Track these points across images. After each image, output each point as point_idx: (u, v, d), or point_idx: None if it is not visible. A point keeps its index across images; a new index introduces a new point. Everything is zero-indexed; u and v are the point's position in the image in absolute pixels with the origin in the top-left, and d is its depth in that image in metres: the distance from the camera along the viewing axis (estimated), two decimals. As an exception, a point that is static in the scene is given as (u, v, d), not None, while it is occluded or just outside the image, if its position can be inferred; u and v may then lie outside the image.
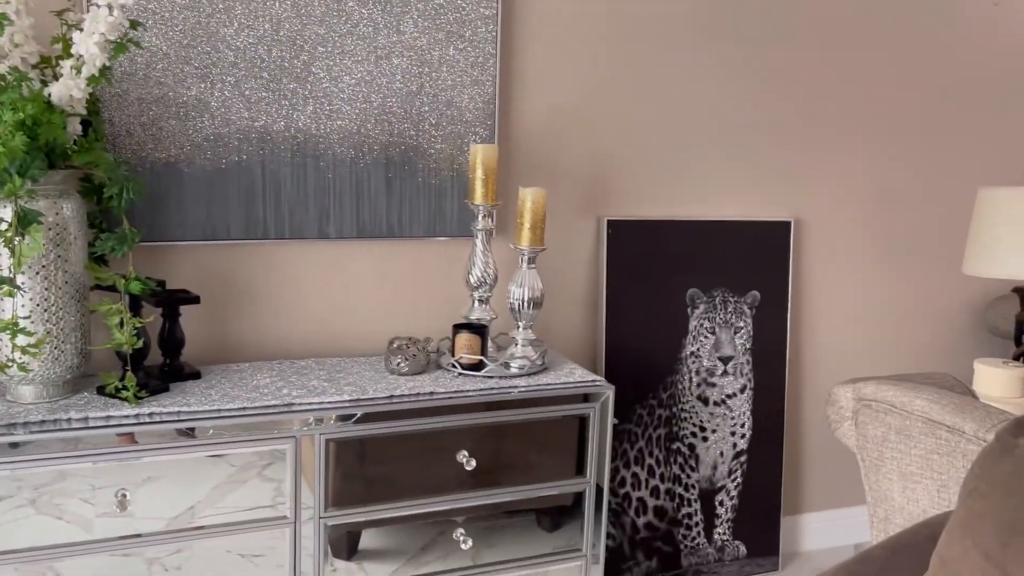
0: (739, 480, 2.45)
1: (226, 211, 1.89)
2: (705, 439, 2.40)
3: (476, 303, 2.01)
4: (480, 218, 1.97)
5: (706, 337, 2.37)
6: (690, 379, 2.37)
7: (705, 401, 2.39)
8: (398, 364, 1.88)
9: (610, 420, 1.92)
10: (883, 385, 1.58)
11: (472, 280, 1.99)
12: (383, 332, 2.08)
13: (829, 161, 2.52)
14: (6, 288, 1.48)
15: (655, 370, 2.33)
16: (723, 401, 2.41)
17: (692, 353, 2.36)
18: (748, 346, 2.42)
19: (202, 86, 1.83)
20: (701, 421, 2.39)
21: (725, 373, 2.40)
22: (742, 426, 2.44)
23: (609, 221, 2.25)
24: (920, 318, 2.72)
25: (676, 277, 2.33)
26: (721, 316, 2.38)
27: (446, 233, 2.09)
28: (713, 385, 2.39)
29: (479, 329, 1.94)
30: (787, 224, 2.45)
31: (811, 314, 2.58)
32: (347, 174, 1.98)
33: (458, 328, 1.94)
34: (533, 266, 1.95)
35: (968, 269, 2.32)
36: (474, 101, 2.05)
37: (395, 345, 1.91)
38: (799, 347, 2.57)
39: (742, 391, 2.42)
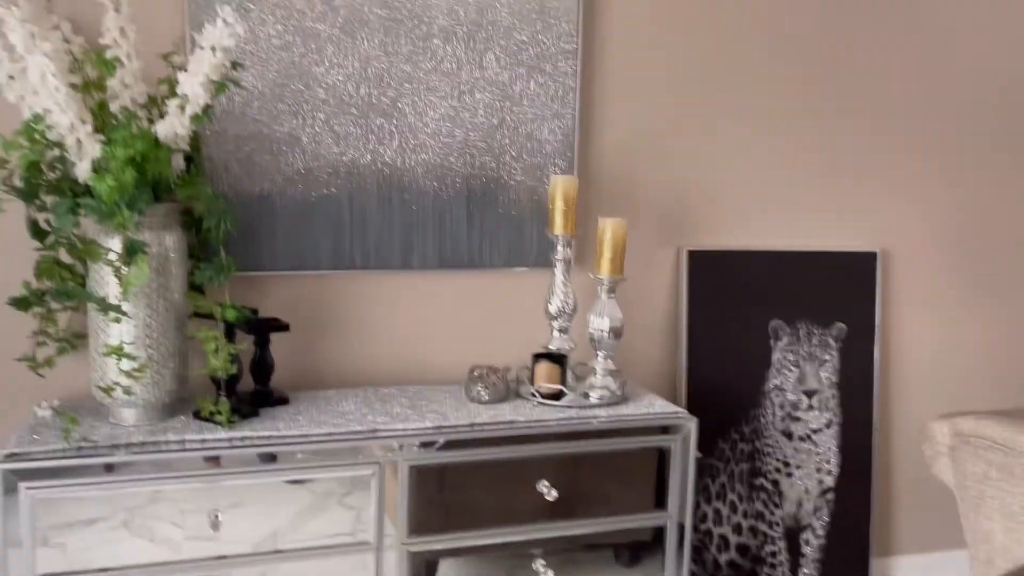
0: (826, 518, 2.37)
1: (315, 242, 1.95)
2: (790, 475, 2.34)
3: (556, 332, 2.01)
4: (560, 248, 1.98)
5: (790, 370, 2.32)
6: (773, 413, 2.31)
7: (789, 436, 2.33)
8: (479, 392, 1.90)
9: (692, 453, 1.89)
10: (983, 420, 1.51)
11: (552, 309, 2.00)
12: (464, 360, 2.10)
13: (916, 189, 2.45)
14: (113, 314, 1.56)
15: (737, 403, 2.29)
16: (808, 436, 2.34)
17: (776, 386, 2.31)
18: (834, 380, 2.35)
19: (294, 122, 1.91)
20: (785, 456, 2.33)
21: (810, 407, 2.33)
22: (828, 462, 2.36)
23: (689, 252, 2.24)
24: (1017, 351, 2.59)
25: (758, 308, 2.29)
26: (805, 348, 2.32)
27: (526, 263, 2.11)
28: (798, 419, 2.33)
29: (559, 359, 1.95)
30: (872, 255, 2.39)
31: (900, 346, 2.49)
32: (430, 205, 2.03)
33: (538, 357, 1.95)
34: (613, 296, 1.95)
35: (1070, 301, 2.22)
36: (554, 133, 2.08)
37: (476, 373, 1.93)
38: (888, 381, 2.48)
39: (828, 426, 2.35)
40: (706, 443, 2.25)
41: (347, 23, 1.91)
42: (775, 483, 2.33)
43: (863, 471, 2.40)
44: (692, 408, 2.22)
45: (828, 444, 2.36)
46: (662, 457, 1.89)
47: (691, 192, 2.25)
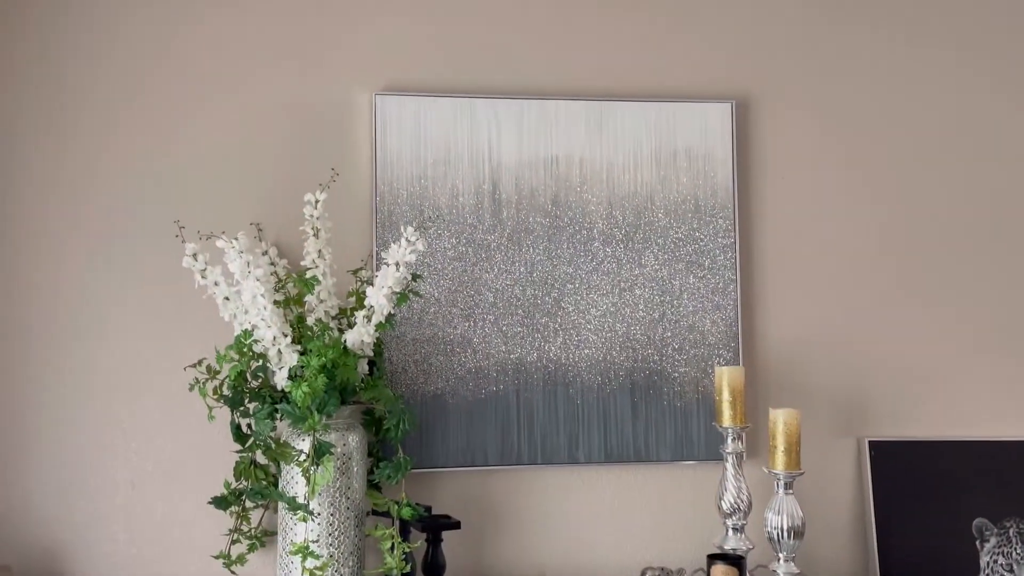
0: None
1: (484, 438, 2.01)
2: None
3: (730, 531, 1.92)
4: (729, 441, 1.93)
5: (1003, 576, 2.06)
6: (989, 626, 2.04)
7: (1012, 654, 2.03)
8: (652, 597, 1.82)
9: (897, 673, 1.69)
10: None
11: (724, 506, 1.92)
12: (634, 560, 2.03)
13: None
14: (301, 514, 1.65)
15: (944, 613, 2.04)
16: (1036, 655, 2.03)
17: (988, 594, 2.05)
18: (1059, 587, 2.06)
19: (466, 325, 2.03)
20: None
21: (1034, 620, 2.04)
22: None
23: (871, 443, 2.11)
24: None
25: (958, 505, 2.09)
26: (1018, 551, 2.07)
27: (694, 457, 2.07)
28: (1020, 634, 2.04)
29: (735, 560, 1.84)
30: (1087, 442, 2.15)
31: None
32: (594, 399, 2.05)
33: (713, 559, 1.85)
34: (790, 492, 1.86)
35: None
36: (716, 325, 2.09)
37: (648, 576, 1.85)
38: None
39: (1060, 643, 2.04)
40: (912, 660, 2.01)
41: (513, 233, 2.06)
42: None
43: None
44: (891, 618, 2.00)
45: (1063, 666, 2.03)
46: (861, 676, 1.70)
47: (870, 378, 2.16)
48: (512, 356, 2.04)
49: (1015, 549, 2.07)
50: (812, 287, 2.17)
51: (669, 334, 2.09)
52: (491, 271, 2.05)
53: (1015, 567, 2.07)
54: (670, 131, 2.11)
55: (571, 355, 2.06)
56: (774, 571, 1.85)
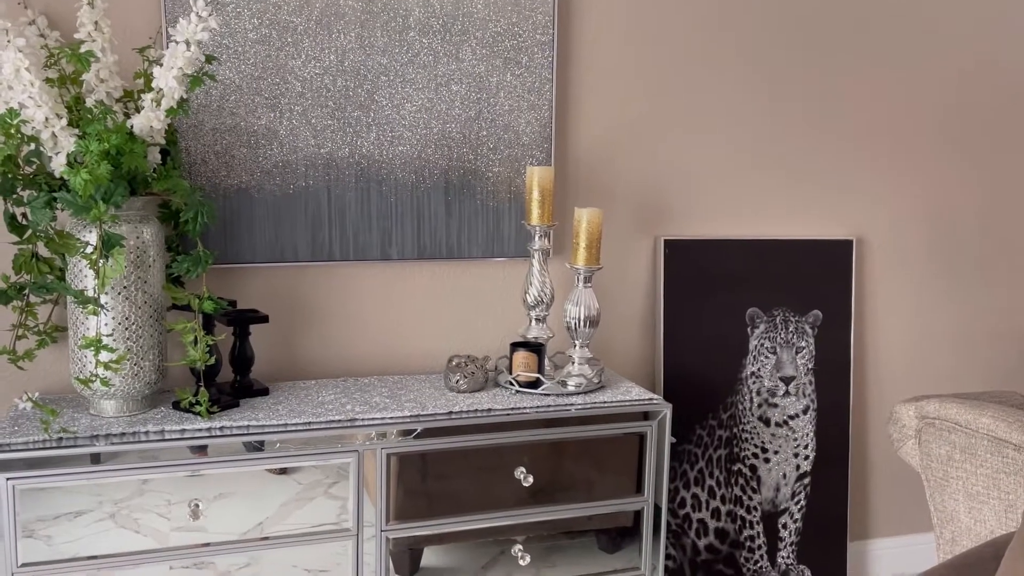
0: (803, 503, 2.41)
1: (294, 234, 1.97)
2: (767, 460, 2.37)
3: (533, 322, 2.04)
4: (537, 238, 2.00)
5: (767, 357, 2.35)
6: (751, 399, 2.35)
7: (767, 422, 2.36)
8: (457, 381, 1.92)
9: (667, 438, 1.92)
10: (947, 403, 1.54)
11: (529, 299, 2.02)
12: (443, 350, 2.13)
13: (891, 177, 2.48)
14: (91, 307, 1.57)
15: (715, 390, 2.32)
16: (785, 422, 2.38)
17: (753, 373, 2.34)
18: (810, 366, 2.38)
19: (271, 115, 1.92)
20: (763, 442, 2.36)
21: (787, 394, 2.37)
22: (805, 447, 2.39)
23: (666, 241, 2.26)
24: (989, 337, 2.63)
25: (735, 296, 2.32)
26: (782, 336, 2.35)
27: (504, 254, 2.14)
28: (775, 406, 2.36)
29: (536, 347, 1.97)
30: (848, 243, 2.42)
31: (875, 333, 2.53)
32: (408, 197, 2.05)
33: (515, 346, 1.97)
34: (589, 285, 1.98)
35: (1041, 286, 2.25)
36: (531, 125, 2.10)
37: (454, 363, 1.95)
38: (863, 367, 2.52)
39: (805, 412, 2.39)
40: (684, 430, 2.29)
41: (323, 16, 1.92)
42: (753, 468, 2.36)
43: (839, 455, 2.44)
44: (669, 395, 2.25)
45: (805, 429, 2.39)
46: (641, 443, 1.92)
47: (668, 182, 2.28)
48: (322, 151, 1.97)
49: (779, 334, 2.35)
50: (625, 92, 2.21)
51: (485, 133, 2.08)
52: (298, 57, 1.92)
53: (777, 350, 2.36)
54: (491, -87, 1.99)
55: (385, 152, 2.01)
56: (570, 356, 2.00)
